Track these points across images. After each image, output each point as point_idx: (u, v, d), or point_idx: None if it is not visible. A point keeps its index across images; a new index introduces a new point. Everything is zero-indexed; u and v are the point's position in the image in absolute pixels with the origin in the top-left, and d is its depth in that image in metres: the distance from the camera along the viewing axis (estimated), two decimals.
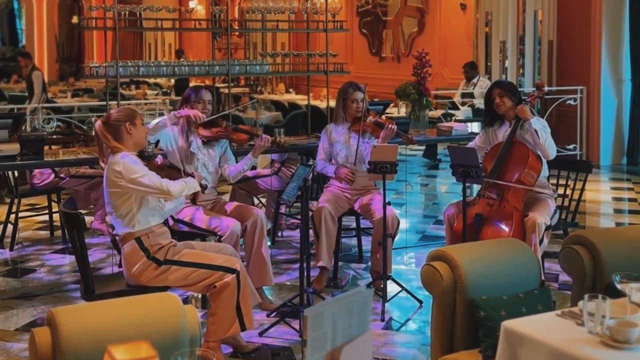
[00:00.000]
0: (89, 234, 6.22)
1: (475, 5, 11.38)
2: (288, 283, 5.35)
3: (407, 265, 5.82)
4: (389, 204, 4.88)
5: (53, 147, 7.17)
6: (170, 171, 4.03)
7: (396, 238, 5.28)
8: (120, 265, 4.11)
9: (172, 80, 14.77)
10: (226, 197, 6.03)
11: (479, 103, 9.81)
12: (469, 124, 7.93)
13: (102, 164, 3.95)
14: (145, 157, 4.01)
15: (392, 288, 4.90)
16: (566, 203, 5.20)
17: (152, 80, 15.81)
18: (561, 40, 10.47)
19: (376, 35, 14.61)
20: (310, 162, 4.81)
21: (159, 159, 4.16)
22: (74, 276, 5.40)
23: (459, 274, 3.12)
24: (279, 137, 5.14)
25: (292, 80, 15.31)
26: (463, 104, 10.16)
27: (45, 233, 6.70)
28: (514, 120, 4.92)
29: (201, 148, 4.88)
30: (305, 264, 4.38)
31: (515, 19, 10.53)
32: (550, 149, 4.80)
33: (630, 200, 8.29)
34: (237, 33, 16.77)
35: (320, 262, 5.08)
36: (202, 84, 6.14)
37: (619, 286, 2.73)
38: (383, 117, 5.59)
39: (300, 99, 12.20)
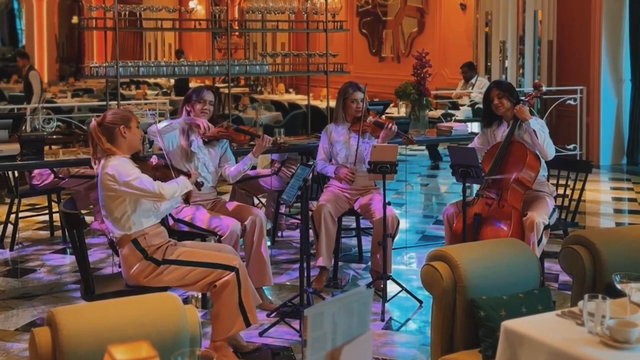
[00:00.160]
0: (89, 234, 6.22)
1: (475, 5, 11.38)
2: (288, 283, 5.35)
3: (407, 265, 5.82)
4: (389, 204, 4.88)
5: (53, 147, 7.17)
6: (166, 171, 4.01)
7: (396, 238, 5.28)
8: (120, 266, 4.11)
9: (172, 81, 14.77)
10: (226, 197, 6.03)
11: (479, 97, 9.80)
12: (469, 124, 7.92)
13: (94, 165, 3.93)
14: (140, 158, 4.00)
15: (392, 288, 4.90)
16: (566, 203, 5.20)
17: (152, 81, 15.80)
18: (561, 40, 10.47)
19: (376, 35, 14.61)
20: (310, 162, 4.81)
21: (153, 159, 4.15)
22: (74, 276, 5.40)
23: (459, 274, 3.12)
24: (279, 137, 5.14)
25: (292, 80, 15.31)
26: (471, 105, 10.10)
27: (45, 233, 6.70)
28: (512, 121, 4.92)
29: (202, 147, 4.88)
30: (305, 264, 4.39)
31: (515, 19, 10.53)
32: (548, 149, 4.80)
33: (630, 200, 8.29)
34: (237, 33, 16.77)
35: (320, 262, 5.08)
36: (203, 84, 6.13)
37: (619, 286, 2.73)
38: (383, 117, 5.59)
39: (300, 99, 12.20)
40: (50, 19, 20.96)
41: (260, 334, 4.34)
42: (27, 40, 20.87)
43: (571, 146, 9.81)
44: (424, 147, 10.51)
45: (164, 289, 3.80)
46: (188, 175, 4.08)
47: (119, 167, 3.75)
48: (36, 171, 6.01)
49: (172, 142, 4.79)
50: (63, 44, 22.47)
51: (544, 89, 5.36)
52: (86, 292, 3.84)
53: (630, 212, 7.73)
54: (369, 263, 5.35)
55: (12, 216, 6.19)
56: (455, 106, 10.34)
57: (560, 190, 5.28)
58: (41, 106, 8.25)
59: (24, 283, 5.38)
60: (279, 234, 6.51)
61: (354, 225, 6.02)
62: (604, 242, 3.38)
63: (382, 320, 4.61)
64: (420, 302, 4.83)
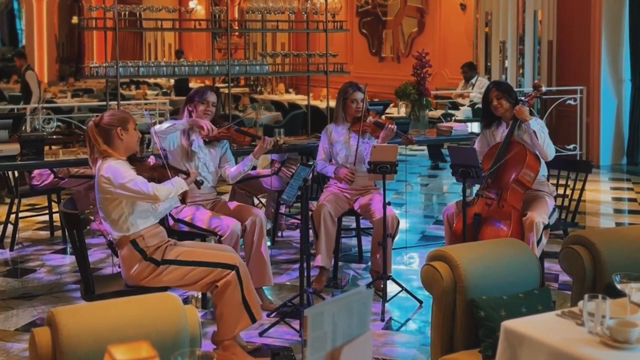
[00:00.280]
0: (89, 234, 6.22)
1: (475, 5, 11.39)
2: (288, 283, 5.35)
3: (407, 265, 5.82)
4: (389, 204, 4.88)
5: (53, 147, 7.16)
6: (163, 171, 4.00)
7: (396, 238, 5.28)
8: (120, 266, 4.11)
9: (172, 81, 14.77)
10: (226, 197, 6.03)
11: (478, 96, 9.80)
12: (468, 124, 7.93)
13: (92, 165, 3.92)
14: (137, 159, 3.99)
15: (392, 288, 4.90)
16: (566, 203, 5.20)
17: (152, 81, 15.81)
18: (561, 40, 10.47)
19: (376, 35, 14.62)
20: (310, 162, 4.81)
21: (151, 160, 4.14)
22: (74, 276, 5.40)
23: (459, 274, 3.12)
24: (279, 138, 5.14)
25: (292, 80, 15.31)
26: (471, 105, 10.11)
27: (45, 233, 6.70)
28: (511, 121, 4.92)
29: (202, 147, 4.88)
30: (305, 264, 4.39)
31: (515, 19, 10.53)
32: (548, 150, 4.80)
33: (630, 200, 8.29)
34: (237, 33, 16.77)
35: (319, 262, 5.08)
36: (205, 85, 6.13)
37: (619, 286, 2.73)
38: (383, 117, 5.59)
39: (300, 99, 12.20)
40: (50, 19, 20.96)
41: (260, 334, 4.35)
42: (27, 40, 20.87)
43: (571, 146, 9.81)
44: (424, 147, 10.51)
45: (164, 289, 3.80)
46: (187, 174, 4.08)
47: (115, 170, 3.74)
48: (36, 172, 6.01)
49: (173, 141, 4.79)
50: (63, 44, 22.47)
51: (544, 89, 5.36)
52: (86, 292, 3.84)
53: (630, 212, 7.73)
54: (369, 263, 5.35)
55: (12, 216, 6.19)
56: (455, 106, 10.34)
57: (560, 190, 5.28)
58: (41, 106, 8.25)
59: (24, 283, 5.38)
60: (279, 234, 6.51)
61: (354, 225, 6.02)
62: (604, 242, 3.38)
63: (382, 320, 4.61)
64: (420, 302, 4.83)
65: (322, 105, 8.70)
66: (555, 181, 5.25)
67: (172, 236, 4.28)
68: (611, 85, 10.18)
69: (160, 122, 5.79)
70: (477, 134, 5.44)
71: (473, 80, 10.42)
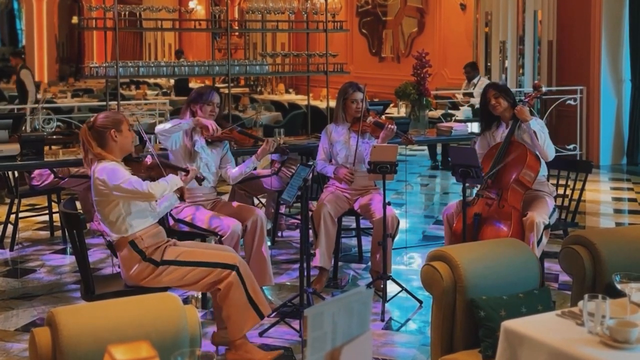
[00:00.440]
0: (89, 234, 6.22)
1: (475, 5, 11.39)
2: (288, 283, 5.35)
3: (407, 265, 5.82)
4: (389, 204, 4.88)
5: (53, 147, 7.17)
6: (160, 170, 3.99)
7: (396, 238, 5.28)
8: (120, 266, 4.11)
9: (172, 81, 14.78)
10: (226, 198, 6.04)
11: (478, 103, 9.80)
12: (468, 124, 7.93)
13: (86, 167, 3.91)
14: (133, 159, 3.98)
15: (392, 288, 4.90)
16: (566, 203, 5.20)
17: (152, 81, 15.81)
18: (561, 40, 10.47)
19: (376, 36, 14.62)
20: (310, 162, 4.81)
21: (148, 159, 4.13)
22: (74, 276, 5.40)
23: (459, 274, 3.12)
24: (279, 138, 5.14)
25: (292, 80, 15.32)
26: (463, 103, 10.16)
27: (45, 233, 6.70)
28: (511, 121, 4.92)
29: (205, 148, 4.88)
30: (305, 264, 4.39)
31: (515, 19, 10.53)
32: (549, 150, 4.80)
33: (630, 200, 8.29)
34: (237, 33, 16.77)
35: (317, 262, 5.08)
36: (206, 85, 6.13)
37: (619, 286, 2.73)
38: (383, 117, 5.59)
39: (300, 99, 12.21)
40: (50, 19, 20.96)
41: (260, 334, 4.34)
42: (27, 41, 20.87)
43: (571, 146, 9.81)
44: (424, 147, 10.52)
45: (164, 289, 3.80)
46: (186, 171, 4.07)
47: (109, 171, 3.72)
48: (36, 172, 6.02)
49: (175, 141, 4.79)
50: (63, 44, 22.48)
51: (544, 89, 5.36)
52: (86, 292, 3.84)
53: (630, 212, 7.73)
54: (369, 263, 5.35)
55: (12, 216, 6.19)
56: (455, 106, 10.35)
57: (560, 190, 5.28)
58: (41, 106, 8.25)
59: (24, 283, 5.38)
60: (279, 234, 6.51)
61: (354, 225, 6.02)
62: (604, 242, 3.38)
63: (382, 320, 4.61)
64: (420, 302, 4.83)
65: (322, 105, 8.70)
66: (555, 181, 5.25)
67: (172, 236, 4.28)
68: (611, 85, 10.18)
69: (161, 122, 5.80)
70: (477, 134, 5.44)
71: (475, 80, 10.42)
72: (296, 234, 6.32)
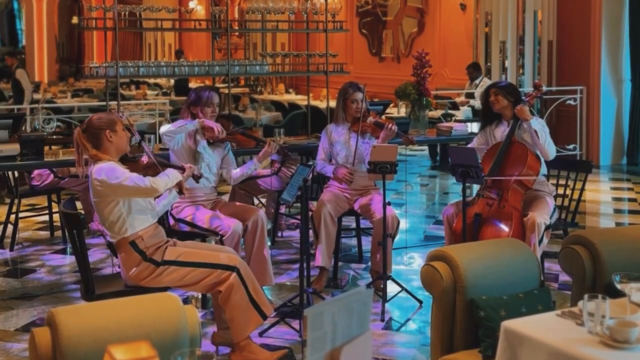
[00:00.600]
0: (89, 235, 6.22)
1: (475, 5, 11.38)
2: (288, 283, 5.35)
3: (407, 265, 5.82)
4: (389, 204, 4.88)
5: (53, 147, 7.17)
6: (157, 169, 3.98)
7: (396, 238, 5.28)
8: (120, 266, 4.11)
9: (172, 81, 14.78)
10: (226, 198, 6.04)
11: (478, 104, 9.81)
12: (468, 124, 7.93)
13: (79, 169, 3.88)
14: (130, 159, 3.98)
15: (392, 288, 4.90)
16: (566, 203, 5.20)
17: (152, 81, 15.81)
18: (561, 40, 10.47)
19: (376, 36, 14.62)
20: (310, 162, 4.81)
21: (144, 159, 4.13)
22: (74, 276, 5.40)
23: (458, 274, 3.12)
24: (280, 138, 5.14)
25: (292, 80, 15.32)
26: (462, 104, 10.17)
27: (45, 233, 6.70)
28: (512, 120, 4.92)
29: (206, 148, 4.88)
30: (305, 264, 4.39)
31: (515, 19, 10.53)
32: (550, 149, 4.80)
33: (630, 200, 8.29)
34: (237, 33, 16.77)
35: (319, 262, 5.08)
36: (205, 85, 6.14)
37: (618, 286, 2.73)
38: (383, 117, 5.59)
39: (300, 99, 12.21)
40: (50, 19, 20.96)
41: (260, 334, 4.34)
42: (27, 41, 20.87)
43: (571, 146, 9.81)
44: (424, 147, 10.52)
45: (164, 289, 3.80)
46: (182, 169, 4.06)
47: (108, 171, 3.70)
48: (36, 172, 6.01)
49: (178, 141, 4.80)
50: (63, 44, 22.48)
51: (544, 89, 5.37)
52: (86, 293, 3.84)
53: (630, 212, 7.73)
54: (369, 263, 5.35)
55: (12, 216, 6.19)
56: (455, 106, 10.35)
57: (560, 190, 5.28)
58: (41, 106, 8.26)
59: (24, 283, 5.38)
60: (279, 234, 6.51)
61: (354, 225, 6.02)
62: (604, 242, 3.38)
63: (382, 320, 4.61)
64: (420, 302, 4.83)
65: (322, 105, 8.70)
66: (555, 181, 5.25)
67: (172, 236, 4.28)
68: (611, 85, 10.18)
69: (161, 123, 5.79)
70: (477, 134, 5.44)
71: (477, 81, 10.42)
72: (296, 234, 6.32)
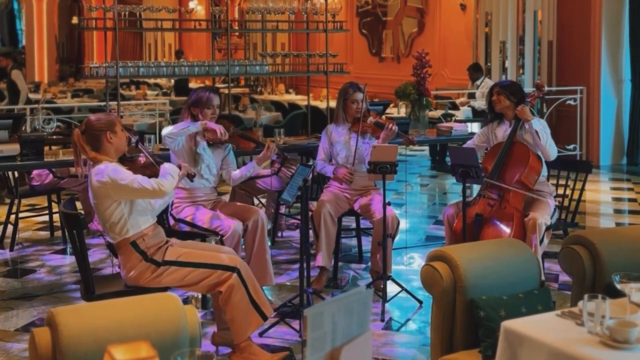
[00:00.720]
0: (89, 235, 6.22)
1: (475, 6, 11.38)
2: (288, 283, 5.35)
3: (407, 265, 5.82)
4: (389, 204, 4.88)
5: (53, 147, 7.17)
6: (154, 169, 3.98)
7: (396, 238, 5.28)
8: (120, 267, 4.11)
9: (172, 81, 14.77)
10: (226, 198, 6.04)
11: (478, 104, 9.81)
12: (468, 124, 7.93)
13: (77, 169, 3.87)
14: (128, 159, 3.97)
15: (392, 288, 4.90)
16: (566, 203, 5.20)
17: (152, 81, 15.81)
18: (561, 41, 10.47)
19: (376, 36, 14.61)
20: (310, 162, 4.81)
21: (141, 158, 4.12)
22: (74, 276, 5.40)
23: (458, 274, 3.12)
24: (280, 138, 5.14)
25: (292, 80, 15.32)
26: (462, 104, 10.17)
27: (45, 233, 6.70)
28: (513, 121, 4.92)
29: (207, 149, 4.88)
30: (305, 264, 4.39)
31: (515, 19, 10.53)
32: (551, 149, 4.80)
33: (630, 200, 8.29)
34: (237, 33, 16.77)
35: (319, 262, 5.08)
36: (205, 86, 6.14)
37: (618, 286, 2.73)
38: (383, 117, 5.59)
39: (300, 100, 12.21)
40: (50, 19, 20.96)
41: (260, 334, 4.34)
42: (27, 41, 20.87)
43: (571, 146, 9.81)
44: (424, 147, 10.52)
45: (164, 289, 3.80)
46: (178, 168, 4.05)
47: (113, 173, 3.68)
48: (35, 172, 6.01)
49: (178, 142, 4.79)
50: (63, 44, 22.48)
51: (546, 89, 5.37)
52: (86, 293, 3.84)
53: (630, 212, 7.73)
54: (369, 263, 5.35)
55: (12, 216, 6.19)
56: (455, 106, 10.34)
57: (560, 191, 5.28)
58: (41, 106, 8.26)
59: (24, 283, 5.38)
60: (279, 234, 6.51)
61: (354, 225, 6.02)
62: (604, 242, 3.38)
63: (382, 320, 4.61)
64: (420, 302, 4.83)
65: (322, 105, 8.70)
66: (555, 181, 5.25)
67: (172, 236, 4.28)
68: (611, 85, 10.17)
69: (161, 123, 5.79)
70: (479, 132, 5.44)
71: (478, 82, 10.42)
72: (296, 234, 6.32)
